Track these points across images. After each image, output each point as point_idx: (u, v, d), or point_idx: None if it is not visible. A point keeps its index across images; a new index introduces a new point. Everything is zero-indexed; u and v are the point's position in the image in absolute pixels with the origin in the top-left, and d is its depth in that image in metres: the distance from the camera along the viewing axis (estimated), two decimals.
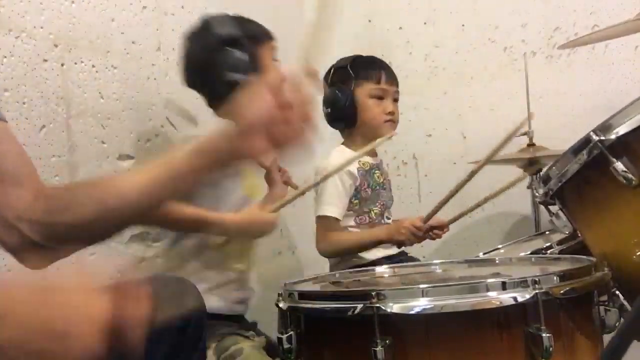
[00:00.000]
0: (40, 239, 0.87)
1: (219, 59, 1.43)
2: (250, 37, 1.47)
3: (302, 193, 1.47)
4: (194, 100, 1.84)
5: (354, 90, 1.85)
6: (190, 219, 1.32)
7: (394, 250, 1.83)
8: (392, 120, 1.86)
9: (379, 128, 1.84)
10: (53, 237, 0.88)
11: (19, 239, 0.88)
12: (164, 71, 1.74)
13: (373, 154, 1.92)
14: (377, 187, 1.87)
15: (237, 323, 1.49)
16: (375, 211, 1.85)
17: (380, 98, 1.85)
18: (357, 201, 1.83)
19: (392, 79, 1.89)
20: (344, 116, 1.86)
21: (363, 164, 1.86)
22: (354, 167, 1.82)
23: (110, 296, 0.61)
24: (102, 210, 0.87)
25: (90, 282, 0.63)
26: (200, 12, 1.91)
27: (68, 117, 1.45)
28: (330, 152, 1.88)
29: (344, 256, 1.83)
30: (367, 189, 1.84)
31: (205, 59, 1.45)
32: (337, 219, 1.79)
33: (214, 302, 1.42)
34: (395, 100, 1.89)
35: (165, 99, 1.73)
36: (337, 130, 1.95)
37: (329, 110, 1.86)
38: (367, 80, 1.85)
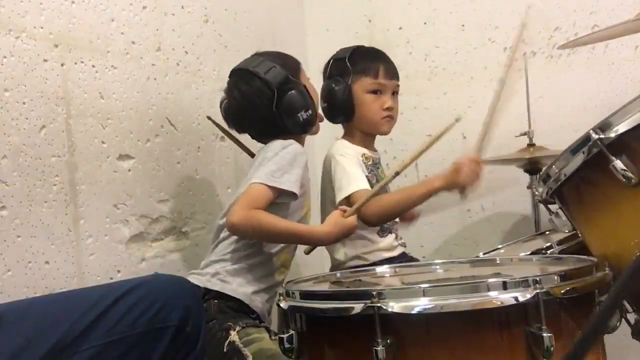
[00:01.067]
0: None
1: (280, 107, 1.53)
2: (292, 71, 1.58)
3: (375, 193, 1.58)
4: (194, 101, 1.85)
5: (351, 84, 1.79)
6: (286, 232, 1.46)
7: (396, 252, 1.82)
8: (391, 116, 1.81)
9: (377, 124, 1.81)
10: None
11: None
12: (164, 71, 1.74)
13: (373, 149, 1.89)
14: (381, 181, 1.85)
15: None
16: None
17: (378, 93, 1.80)
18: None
19: (392, 73, 1.83)
20: (341, 111, 1.80)
21: (366, 158, 1.82)
22: (359, 161, 1.79)
23: None
24: None
25: None
26: (200, 12, 1.92)
27: (68, 117, 1.45)
28: (332, 144, 1.85)
29: (344, 258, 1.80)
30: (375, 184, 1.80)
31: (267, 108, 1.54)
32: (365, 188, 1.68)
33: (258, 304, 1.48)
34: (395, 93, 1.84)
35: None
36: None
37: (326, 104, 1.80)
38: (364, 74, 1.79)
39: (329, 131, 2.09)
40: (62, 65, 1.45)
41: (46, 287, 1.36)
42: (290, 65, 1.59)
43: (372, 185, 1.74)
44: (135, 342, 0.92)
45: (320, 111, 1.70)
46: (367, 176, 1.77)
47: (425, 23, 2.41)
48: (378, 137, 1.89)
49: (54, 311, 0.93)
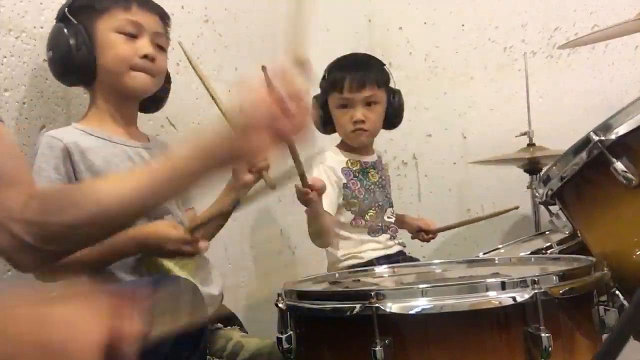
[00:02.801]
0: (33, 241, 0.86)
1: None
2: (83, 8, 1.31)
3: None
4: (194, 101, 1.85)
5: (327, 99, 1.81)
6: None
7: (393, 250, 1.83)
8: (362, 128, 1.77)
9: (348, 138, 1.82)
10: (46, 238, 0.87)
11: (10, 241, 0.87)
12: None
13: (370, 152, 1.89)
14: (372, 186, 1.85)
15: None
16: (370, 214, 1.80)
17: (347, 107, 1.78)
18: (354, 201, 1.79)
19: (359, 85, 1.75)
20: (322, 126, 1.83)
21: (352, 163, 1.83)
22: (338, 167, 1.79)
23: (106, 313, 0.60)
24: (97, 211, 0.87)
25: (87, 299, 0.62)
26: (200, 12, 1.92)
27: (68, 117, 1.45)
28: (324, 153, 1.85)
29: (340, 256, 1.79)
30: (360, 189, 1.81)
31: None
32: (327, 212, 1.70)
33: None
34: (370, 104, 1.77)
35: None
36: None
37: (313, 119, 1.83)
38: (334, 89, 1.78)
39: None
40: None
41: (46, 288, 1.36)
42: (84, 2, 1.31)
43: (355, 192, 1.79)
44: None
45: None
46: (344, 183, 1.79)
47: (425, 23, 2.41)
48: (378, 136, 1.89)
49: None
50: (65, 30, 1.27)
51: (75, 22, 1.28)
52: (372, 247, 1.80)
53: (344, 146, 1.86)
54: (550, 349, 0.88)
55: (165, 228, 1.21)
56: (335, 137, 1.89)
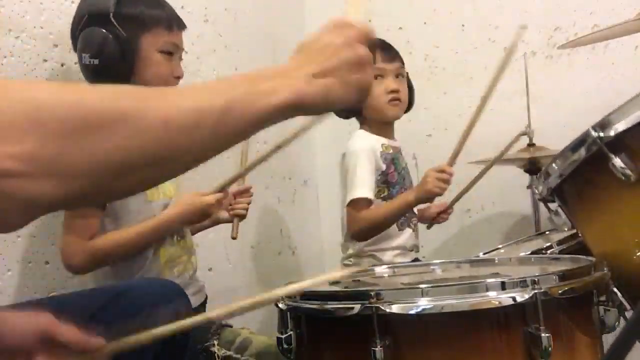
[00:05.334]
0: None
1: (78, 37, 1.33)
2: (126, 14, 1.33)
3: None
4: None
5: None
6: (135, 239, 1.30)
7: (408, 258, 1.81)
8: (397, 98, 1.78)
9: (383, 109, 1.79)
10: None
11: None
12: None
13: (393, 137, 1.87)
14: (402, 171, 1.84)
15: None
16: None
17: (379, 77, 1.77)
18: (384, 187, 1.78)
19: (391, 56, 1.80)
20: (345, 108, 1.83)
21: (386, 148, 1.81)
22: (377, 152, 1.78)
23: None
24: None
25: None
26: (200, 12, 1.92)
27: None
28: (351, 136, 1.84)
29: (364, 247, 1.78)
30: (393, 173, 1.80)
31: (74, 30, 1.36)
32: (368, 199, 1.71)
33: None
34: (399, 76, 1.80)
35: None
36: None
37: None
38: None
39: (329, 132, 2.09)
40: (62, 65, 1.45)
41: (46, 287, 1.36)
42: (135, 10, 1.32)
43: (388, 176, 1.77)
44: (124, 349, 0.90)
45: None
46: (384, 172, 1.77)
47: (425, 23, 2.41)
48: None
49: None
50: (112, 39, 1.28)
51: (123, 33, 1.29)
52: (396, 244, 1.79)
53: (371, 128, 1.83)
54: (550, 349, 0.88)
55: (194, 197, 1.34)
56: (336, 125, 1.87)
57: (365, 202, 1.71)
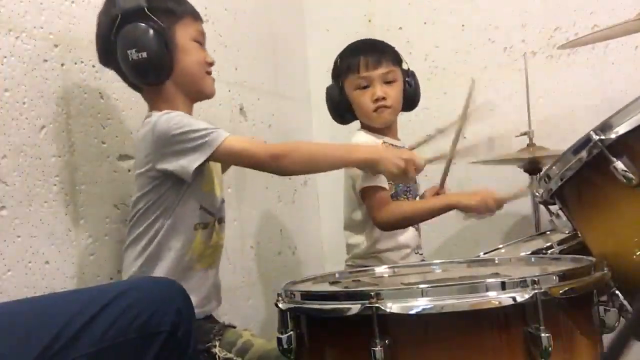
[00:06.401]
0: None
1: (117, 36, 1.37)
2: (158, 7, 1.39)
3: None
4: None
5: (344, 84, 1.80)
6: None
7: (410, 260, 1.81)
8: (383, 105, 1.77)
9: (371, 118, 1.80)
10: None
11: None
12: None
13: (396, 137, 1.88)
14: None
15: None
16: (404, 198, 1.81)
17: (365, 87, 1.77)
18: (389, 184, 1.76)
19: (375, 62, 1.77)
20: (341, 113, 1.83)
21: (388, 146, 1.81)
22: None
23: None
24: None
25: None
26: (200, 12, 1.92)
27: (68, 117, 1.45)
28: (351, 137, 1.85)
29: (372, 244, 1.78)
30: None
31: (105, 30, 1.40)
32: (385, 189, 1.71)
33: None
34: (388, 82, 1.78)
35: None
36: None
37: (329, 108, 1.85)
38: (350, 72, 1.78)
39: (329, 132, 2.09)
40: (62, 65, 1.45)
41: (46, 287, 1.36)
42: (165, 2, 1.39)
43: (395, 185, 1.77)
44: (126, 349, 0.88)
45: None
46: None
47: (425, 23, 2.41)
48: None
49: (38, 318, 0.87)
50: (152, 32, 1.33)
51: (161, 24, 1.35)
52: (400, 243, 1.79)
53: (371, 129, 1.83)
54: (550, 349, 0.88)
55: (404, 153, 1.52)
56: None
57: (384, 191, 1.71)
